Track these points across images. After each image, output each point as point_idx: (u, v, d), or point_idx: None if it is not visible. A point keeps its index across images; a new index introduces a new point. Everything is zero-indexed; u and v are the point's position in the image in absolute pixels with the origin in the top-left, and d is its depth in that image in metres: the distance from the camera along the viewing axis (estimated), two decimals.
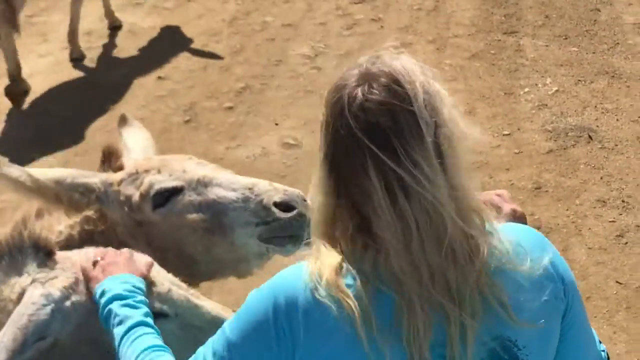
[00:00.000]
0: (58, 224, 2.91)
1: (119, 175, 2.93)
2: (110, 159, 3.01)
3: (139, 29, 8.10)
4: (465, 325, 1.79)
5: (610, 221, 5.48)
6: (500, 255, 1.83)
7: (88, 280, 2.38)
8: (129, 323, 2.17)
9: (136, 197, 2.88)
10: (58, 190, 2.85)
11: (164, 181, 2.88)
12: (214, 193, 2.83)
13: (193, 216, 2.83)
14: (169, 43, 7.77)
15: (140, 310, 2.22)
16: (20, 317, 2.28)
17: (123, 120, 3.40)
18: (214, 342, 1.95)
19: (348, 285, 1.79)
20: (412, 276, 1.77)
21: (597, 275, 4.97)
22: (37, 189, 2.81)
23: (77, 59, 7.54)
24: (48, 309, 2.31)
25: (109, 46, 7.84)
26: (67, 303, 2.35)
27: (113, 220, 2.91)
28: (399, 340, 1.76)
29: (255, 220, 2.79)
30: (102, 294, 2.27)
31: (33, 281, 2.38)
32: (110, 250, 2.51)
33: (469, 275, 1.79)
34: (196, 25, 8.12)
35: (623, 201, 5.67)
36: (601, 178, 5.90)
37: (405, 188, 1.75)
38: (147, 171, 2.91)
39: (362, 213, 1.82)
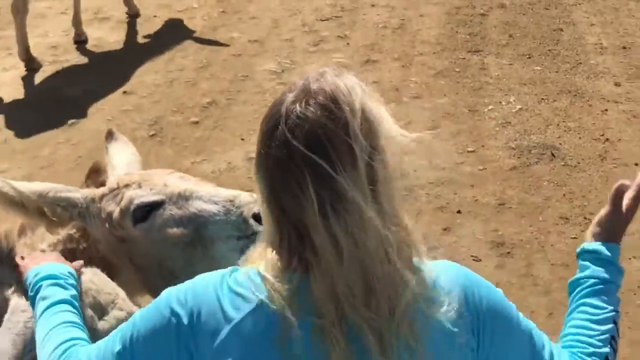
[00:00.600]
0: (41, 242, 2.88)
1: (100, 191, 2.89)
2: (95, 175, 2.98)
3: (105, 43, 8.06)
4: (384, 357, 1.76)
5: (572, 238, 5.51)
6: (421, 294, 1.80)
7: (20, 270, 2.40)
8: (54, 299, 2.18)
9: (117, 212, 2.83)
10: (40, 203, 2.81)
11: (144, 196, 2.82)
12: (195, 206, 2.77)
13: (174, 230, 2.78)
14: (135, 57, 7.74)
15: (68, 291, 2.22)
16: (15, 324, 2.30)
17: (110, 136, 3.33)
18: (124, 329, 1.96)
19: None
20: (340, 296, 1.75)
21: (560, 292, 4.99)
22: (20, 200, 2.78)
23: (33, 69, 7.53)
24: None
25: (75, 60, 7.78)
26: None
27: (95, 237, 2.88)
28: None
29: (237, 234, 2.74)
30: (36, 274, 2.28)
31: (15, 291, 2.38)
32: (37, 252, 2.53)
33: (392, 308, 1.77)
34: (157, 40, 8.12)
35: (585, 218, 5.70)
36: (564, 195, 5.94)
37: (334, 206, 1.73)
38: (127, 186, 2.86)
39: (294, 225, 1.79)
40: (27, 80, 7.41)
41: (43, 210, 2.83)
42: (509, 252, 5.40)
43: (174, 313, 1.86)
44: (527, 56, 7.74)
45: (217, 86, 7.26)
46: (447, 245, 5.45)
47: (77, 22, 7.99)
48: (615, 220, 2.16)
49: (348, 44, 7.93)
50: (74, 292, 2.23)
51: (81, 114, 6.88)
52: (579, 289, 2.10)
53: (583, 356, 2.01)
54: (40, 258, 2.39)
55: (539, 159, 6.33)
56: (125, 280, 2.85)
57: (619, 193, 2.14)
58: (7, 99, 7.11)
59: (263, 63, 7.56)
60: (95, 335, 2.20)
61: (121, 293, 2.60)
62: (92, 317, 2.39)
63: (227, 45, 7.97)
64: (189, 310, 1.84)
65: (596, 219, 2.20)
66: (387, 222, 1.76)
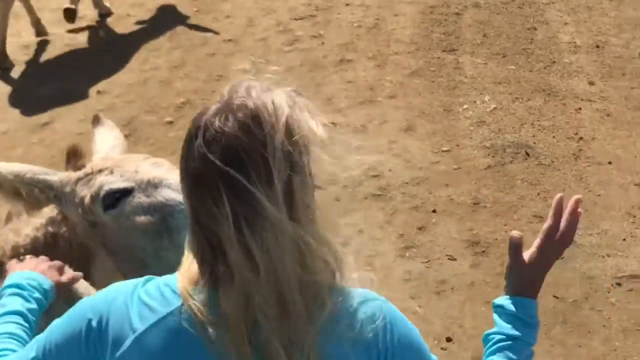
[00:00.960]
0: (26, 227, 2.90)
1: (76, 175, 2.88)
2: (74, 159, 2.97)
3: (78, 43, 8.02)
4: None
5: None
6: (334, 319, 1.77)
7: (8, 272, 2.40)
8: (8, 309, 2.16)
9: (88, 198, 2.81)
10: (17, 184, 2.81)
11: (114, 182, 2.80)
12: (162, 195, 2.75)
13: (142, 218, 2.76)
14: (109, 57, 7.71)
15: (29, 304, 2.20)
16: None
17: (96, 120, 3.32)
18: (40, 337, 1.96)
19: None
20: (256, 309, 1.73)
21: None
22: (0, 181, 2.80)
23: (6, 69, 7.50)
24: None
25: (48, 59, 7.74)
26: None
27: (71, 220, 2.87)
28: None
29: None
30: (7, 280, 2.28)
31: None
32: (42, 257, 2.51)
33: (300, 330, 1.75)
34: (131, 38, 8.11)
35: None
36: (538, 194, 5.97)
37: (250, 222, 1.70)
38: (100, 171, 2.85)
39: (208, 238, 1.77)
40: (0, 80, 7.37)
41: (20, 191, 2.83)
42: (484, 251, 5.42)
43: (85, 319, 1.86)
44: (502, 55, 7.77)
45: (191, 86, 7.24)
46: (422, 244, 5.47)
47: (36, 22, 7.98)
48: (516, 273, 2.10)
49: (323, 43, 7.93)
50: (33, 305, 2.21)
51: (54, 114, 6.85)
52: (488, 345, 2.04)
53: None
54: (30, 265, 2.37)
55: (514, 158, 6.36)
56: (101, 264, 2.86)
57: (514, 246, 2.09)
58: None
59: (237, 62, 7.53)
60: None
61: (93, 292, 2.59)
62: None
63: (217, 33, 8.02)
64: (99, 316, 1.85)
65: (506, 268, 2.13)
66: (305, 241, 1.74)
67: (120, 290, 1.88)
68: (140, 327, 1.80)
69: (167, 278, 1.87)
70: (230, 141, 1.71)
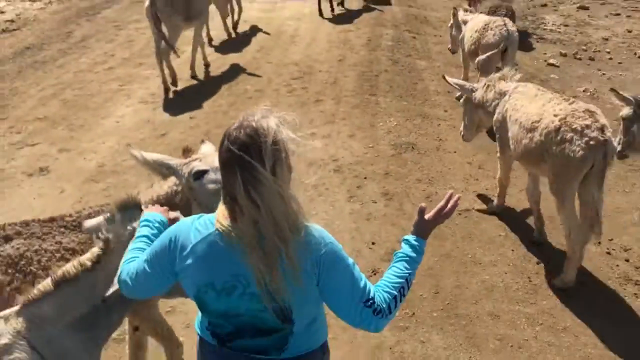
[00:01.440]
0: (165, 185, 2.90)
1: (185, 160, 2.90)
2: (187, 152, 2.98)
3: (180, 93, 7.96)
4: (270, 277, 1.70)
5: (422, 190, 5.63)
6: (300, 239, 1.72)
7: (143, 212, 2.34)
8: (140, 234, 2.12)
9: (187, 173, 2.83)
10: (156, 165, 2.84)
11: (200, 166, 2.82)
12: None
13: (212, 186, 2.76)
14: (195, 99, 7.66)
15: (152, 230, 2.11)
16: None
17: (202, 141, 3.32)
18: (149, 249, 1.93)
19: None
20: (262, 231, 1.70)
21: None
22: (146, 163, 2.83)
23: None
24: None
25: (165, 99, 7.69)
26: None
27: (182, 186, 2.88)
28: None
29: None
30: (142, 217, 2.24)
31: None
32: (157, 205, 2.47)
33: (287, 243, 1.70)
34: (207, 89, 8.05)
35: (429, 180, 5.82)
36: (418, 168, 6.04)
37: (254, 186, 1.68)
38: (194, 160, 2.87)
39: (230, 195, 1.74)
40: (139, 112, 7.29)
41: (156, 169, 2.85)
42: (391, 198, 5.50)
43: (169, 237, 1.87)
44: (400, 96, 7.80)
45: (238, 115, 7.16)
46: (359, 195, 5.54)
47: (173, 76, 7.80)
48: (419, 225, 2.00)
49: (307, 91, 7.93)
50: (155, 231, 2.11)
51: (168, 129, 6.81)
52: (395, 258, 1.98)
53: (381, 290, 1.88)
54: (154, 209, 2.28)
55: (406, 150, 6.42)
56: (195, 210, 2.84)
57: (420, 211, 2.01)
58: (128, 122, 7.01)
59: (263, 102, 7.41)
60: None
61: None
62: None
63: (260, 76, 7.95)
64: (175, 235, 1.85)
65: (414, 222, 2.03)
66: (285, 197, 1.71)
67: (185, 222, 1.87)
68: (194, 240, 1.80)
69: (210, 215, 1.85)
70: (243, 142, 1.72)
